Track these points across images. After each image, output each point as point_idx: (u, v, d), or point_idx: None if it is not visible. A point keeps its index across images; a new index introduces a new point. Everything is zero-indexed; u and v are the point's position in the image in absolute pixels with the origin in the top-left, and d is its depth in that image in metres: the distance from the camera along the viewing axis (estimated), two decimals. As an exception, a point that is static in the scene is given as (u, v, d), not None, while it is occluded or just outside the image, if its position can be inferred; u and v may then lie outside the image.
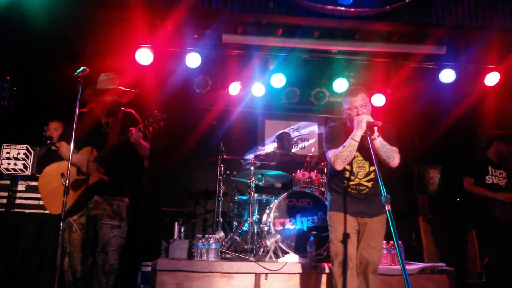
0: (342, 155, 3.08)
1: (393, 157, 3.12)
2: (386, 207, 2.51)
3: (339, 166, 3.13)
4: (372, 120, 3.00)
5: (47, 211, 3.92)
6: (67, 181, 3.02)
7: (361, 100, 3.16)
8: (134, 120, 3.69)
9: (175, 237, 4.78)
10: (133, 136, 3.39)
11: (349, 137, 3.08)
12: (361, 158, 3.24)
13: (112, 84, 3.56)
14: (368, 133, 2.96)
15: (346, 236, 3.15)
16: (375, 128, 3.00)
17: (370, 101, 3.27)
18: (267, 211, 5.11)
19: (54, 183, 3.47)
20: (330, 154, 3.21)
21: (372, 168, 3.23)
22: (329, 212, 3.37)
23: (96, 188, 3.44)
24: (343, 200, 3.26)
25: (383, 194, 2.56)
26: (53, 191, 3.44)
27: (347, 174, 3.26)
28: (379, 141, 3.06)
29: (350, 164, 3.21)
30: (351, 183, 3.25)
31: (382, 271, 3.96)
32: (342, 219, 3.21)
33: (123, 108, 3.72)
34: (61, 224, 2.95)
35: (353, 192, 3.26)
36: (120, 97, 3.63)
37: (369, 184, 3.24)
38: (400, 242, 4.34)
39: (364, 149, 3.15)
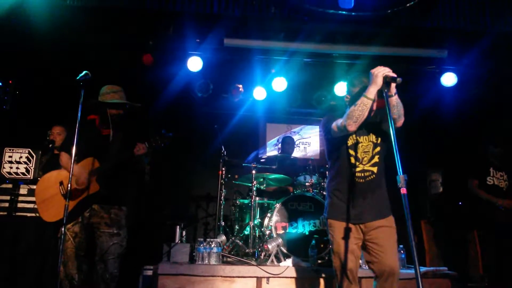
0: (354, 114, 2.72)
1: (403, 115, 2.81)
2: (401, 190, 2.18)
3: (351, 127, 2.76)
4: (391, 74, 2.61)
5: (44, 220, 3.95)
6: (69, 185, 3.00)
7: None
8: (137, 133, 3.71)
9: (177, 241, 4.77)
10: (139, 151, 3.47)
11: (362, 94, 2.73)
12: (367, 143, 2.98)
13: (116, 98, 3.56)
14: (385, 90, 2.60)
15: (348, 247, 2.89)
16: (393, 85, 2.63)
17: None
18: (269, 214, 5.10)
19: (50, 190, 3.45)
20: (338, 121, 2.86)
21: (375, 151, 2.97)
22: (328, 219, 3.05)
23: (94, 198, 3.45)
24: (345, 204, 2.95)
25: (398, 174, 2.21)
26: (49, 198, 3.43)
27: (352, 159, 2.98)
28: (395, 99, 2.71)
29: (355, 149, 2.98)
30: (357, 169, 2.96)
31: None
32: (343, 228, 2.93)
33: (125, 120, 3.74)
34: (62, 228, 2.93)
35: (360, 181, 2.94)
36: (124, 110, 3.64)
37: (375, 169, 2.96)
38: (401, 245, 4.37)
39: (368, 128, 2.95)
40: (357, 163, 2.97)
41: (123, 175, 3.59)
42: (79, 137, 3.18)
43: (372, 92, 2.68)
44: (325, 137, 3.17)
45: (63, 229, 2.91)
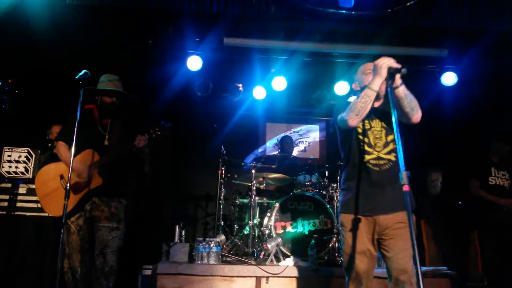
0: (356, 107, 2.60)
1: (417, 108, 2.65)
2: (403, 187, 2.11)
3: (352, 121, 2.63)
4: (395, 65, 2.51)
5: (48, 214, 3.95)
6: (67, 184, 3.00)
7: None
8: (135, 124, 3.71)
9: (176, 240, 4.76)
10: (139, 144, 3.46)
11: (365, 86, 2.63)
12: (379, 129, 2.78)
13: (111, 86, 3.55)
14: (390, 82, 2.47)
15: (357, 246, 2.68)
16: (398, 76, 2.52)
17: None
18: (268, 214, 5.09)
19: (52, 184, 3.44)
20: (342, 114, 2.72)
21: (389, 138, 2.75)
22: (340, 214, 2.84)
23: (96, 191, 3.45)
24: (357, 197, 2.71)
25: (400, 170, 2.13)
26: (52, 192, 3.41)
27: (365, 146, 2.75)
28: (402, 90, 2.58)
29: (367, 135, 2.76)
30: (370, 157, 2.73)
31: (381, 274, 3.94)
32: (354, 225, 2.70)
33: (122, 111, 3.72)
34: (62, 229, 2.95)
35: (375, 169, 2.70)
36: (119, 99, 3.62)
37: (392, 157, 2.70)
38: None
39: (379, 115, 2.78)
40: (370, 150, 2.75)
41: (123, 167, 3.59)
42: (79, 126, 3.15)
43: (376, 83, 2.59)
44: (336, 127, 2.97)
45: (62, 226, 2.94)
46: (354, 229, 2.71)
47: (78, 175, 3.39)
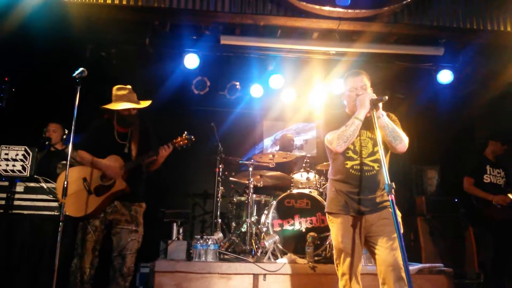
0: (344, 134, 2.82)
1: (400, 139, 2.85)
2: (389, 196, 2.41)
3: (339, 147, 2.85)
4: (375, 97, 2.78)
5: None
6: (65, 183, 3.09)
7: (362, 82, 2.97)
8: (151, 132, 3.83)
9: (174, 238, 4.78)
10: (164, 153, 3.63)
11: (353, 116, 2.84)
12: (364, 137, 2.97)
13: (125, 100, 3.60)
14: (373, 111, 2.74)
15: (347, 242, 2.85)
16: (380, 105, 2.78)
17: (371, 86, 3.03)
18: (266, 212, 5.11)
19: (73, 186, 3.51)
20: (330, 135, 2.93)
21: (376, 149, 2.90)
22: (327, 214, 3.05)
23: (118, 194, 3.51)
24: (343, 197, 2.91)
25: (386, 182, 2.44)
26: (72, 194, 3.47)
27: (349, 153, 2.95)
28: (383, 120, 2.82)
29: (353, 143, 2.92)
30: (354, 163, 2.92)
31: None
32: (342, 222, 2.90)
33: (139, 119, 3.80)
34: (60, 225, 2.99)
35: (357, 175, 2.90)
36: (135, 109, 3.68)
37: (376, 166, 2.90)
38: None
39: (368, 127, 2.95)
40: (355, 156, 2.94)
41: (139, 171, 3.69)
42: (99, 136, 3.42)
43: (362, 114, 2.81)
44: (322, 140, 3.15)
45: (59, 224, 2.98)
46: (342, 226, 2.90)
47: (104, 171, 3.48)
